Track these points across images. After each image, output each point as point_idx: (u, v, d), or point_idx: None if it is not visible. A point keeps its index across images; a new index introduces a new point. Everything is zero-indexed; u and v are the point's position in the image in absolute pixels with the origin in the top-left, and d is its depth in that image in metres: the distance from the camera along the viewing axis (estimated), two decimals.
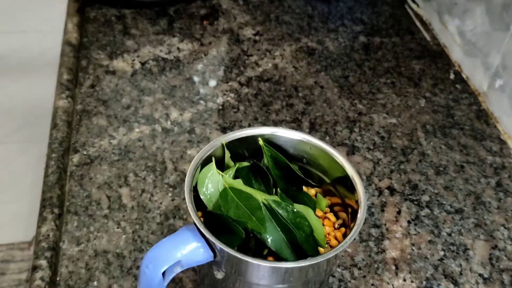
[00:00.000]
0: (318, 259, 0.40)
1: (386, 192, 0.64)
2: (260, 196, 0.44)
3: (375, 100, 0.77)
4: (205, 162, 0.47)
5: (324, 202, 0.50)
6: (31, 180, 1.44)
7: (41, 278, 0.52)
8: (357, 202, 0.45)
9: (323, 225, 0.48)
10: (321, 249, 0.45)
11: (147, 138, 0.68)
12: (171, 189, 0.62)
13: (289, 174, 0.49)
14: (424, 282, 0.55)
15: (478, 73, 0.79)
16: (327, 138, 0.70)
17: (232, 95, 0.76)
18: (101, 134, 0.69)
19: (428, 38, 0.91)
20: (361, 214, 0.44)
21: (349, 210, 0.48)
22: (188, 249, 0.41)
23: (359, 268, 0.56)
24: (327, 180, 0.50)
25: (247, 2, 0.96)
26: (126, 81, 0.77)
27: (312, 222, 0.45)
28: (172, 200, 0.61)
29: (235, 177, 0.48)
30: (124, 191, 0.62)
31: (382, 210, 0.62)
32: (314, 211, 0.48)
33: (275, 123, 0.72)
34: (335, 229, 0.49)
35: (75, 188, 0.62)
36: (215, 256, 0.41)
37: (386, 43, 0.89)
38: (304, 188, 0.51)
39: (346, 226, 0.48)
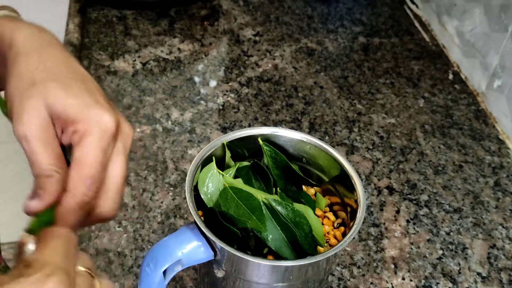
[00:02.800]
0: (318, 258, 0.40)
1: (385, 191, 0.64)
2: (260, 195, 0.45)
3: (374, 100, 0.78)
4: (206, 161, 0.47)
5: (324, 201, 0.51)
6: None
7: None
8: (356, 201, 0.46)
9: (323, 224, 0.49)
10: (320, 248, 0.46)
11: (148, 138, 0.69)
12: (172, 188, 0.63)
13: (289, 173, 0.50)
14: (423, 281, 0.55)
15: (476, 74, 0.80)
16: (327, 138, 0.71)
17: (232, 95, 0.76)
18: None
19: (427, 38, 0.91)
20: (360, 213, 0.44)
21: (349, 209, 0.48)
22: (188, 248, 0.41)
23: (358, 267, 0.56)
24: (327, 180, 0.51)
25: (247, 3, 0.97)
26: (127, 82, 0.78)
27: (312, 221, 0.45)
28: (173, 199, 0.61)
29: (235, 176, 0.48)
30: (125, 190, 0.62)
31: (381, 210, 0.62)
32: (314, 211, 0.48)
33: (275, 123, 0.73)
34: (334, 228, 0.49)
35: None
36: (215, 255, 0.41)
37: (385, 44, 0.89)
38: (304, 188, 0.51)
39: (346, 225, 0.49)
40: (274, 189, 0.49)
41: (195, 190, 0.46)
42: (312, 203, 0.49)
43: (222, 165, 0.49)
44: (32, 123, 0.32)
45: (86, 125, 0.32)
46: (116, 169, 0.33)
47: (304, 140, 0.50)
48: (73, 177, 0.31)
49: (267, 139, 0.50)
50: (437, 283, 0.55)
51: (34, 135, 0.32)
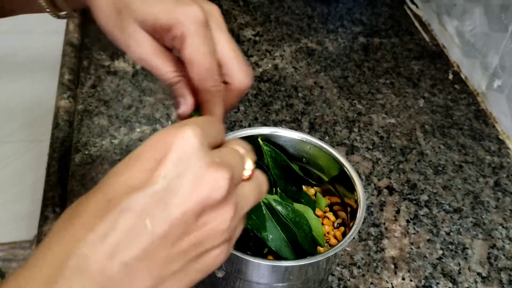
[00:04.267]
0: (318, 258, 0.40)
1: (385, 191, 0.64)
2: None
3: (374, 100, 0.78)
4: None
5: (324, 201, 0.51)
6: (33, 179, 1.44)
7: None
8: (356, 201, 0.46)
9: (323, 224, 0.49)
10: (320, 248, 0.46)
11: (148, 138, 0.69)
12: None
13: (289, 173, 0.50)
14: (423, 281, 0.55)
15: (476, 74, 0.80)
16: (327, 138, 0.71)
17: None
18: (102, 134, 0.69)
19: (427, 38, 0.91)
20: (360, 213, 0.44)
21: (349, 209, 0.48)
22: None
23: (358, 267, 0.56)
24: (327, 180, 0.51)
25: (247, 3, 0.97)
26: (127, 82, 0.78)
27: (312, 222, 0.45)
28: None
29: None
30: None
31: (381, 210, 0.62)
32: (314, 211, 0.48)
33: (275, 123, 0.73)
34: (334, 228, 0.49)
35: (77, 188, 0.62)
36: None
37: (385, 44, 0.89)
38: (304, 188, 0.51)
39: (346, 225, 0.49)
40: (274, 189, 0.49)
41: None
42: (312, 203, 0.49)
43: None
44: (139, 45, 0.35)
45: (180, 28, 0.34)
46: (225, 46, 0.36)
47: (304, 140, 0.50)
48: (196, 77, 0.35)
49: (267, 139, 0.50)
50: (437, 283, 0.55)
51: (148, 53, 0.35)
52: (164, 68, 0.36)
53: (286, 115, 0.74)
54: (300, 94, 0.78)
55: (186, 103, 0.37)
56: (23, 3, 0.44)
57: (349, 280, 0.55)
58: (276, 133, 0.50)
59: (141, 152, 0.28)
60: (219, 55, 0.36)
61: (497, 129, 0.74)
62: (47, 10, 0.42)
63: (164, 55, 0.36)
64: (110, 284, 0.25)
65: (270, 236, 0.43)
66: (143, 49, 0.35)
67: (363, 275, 0.55)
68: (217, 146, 0.31)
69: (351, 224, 0.44)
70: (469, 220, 0.62)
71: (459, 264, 0.57)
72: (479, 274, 0.56)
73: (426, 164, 0.68)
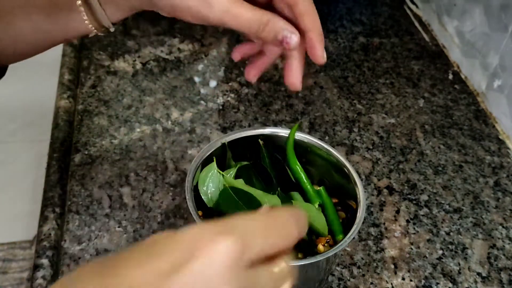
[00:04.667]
0: (318, 258, 0.40)
1: (385, 191, 0.64)
2: (260, 196, 0.45)
3: (374, 100, 0.78)
4: (206, 161, 0.47)
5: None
6: (33, 179, 1.44)
7: (43, 277, 0.53)
8: (356, 201, 0.46)
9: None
10: (320, 248, 0.46)
11: (148, 138, 0.69)
12: (172, 188, 0.63)
13: (286, 175, 0.50)
14: (423, 281, 0.55)
15: (476, 74, 0.80)
16: (327, 138, 0.71)
17: (232, 95, 0.76)
18: (102, 134, 0.69)
19: (427, 38, 0.91)
20: (360, 214, 0.44)
21: (349, 209, 0.48)
22: None
23: (358, 267, 0.56)
24: (327, 180, 0.51)
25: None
26: (127, 82, 0.78)
27: (313, 214, 0.45)
28: (173, 199, 0.61)
29: (236, 176, 0.48)
30: (125, 191, 0.62)
31: (381, 210, 0.62)
32: (316, 203, 0.48)
33: (275, 123, 0.72)
34: None
35: (77, 188, 0.62)
36: None
37: (385, 44, 0.89)
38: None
39: (346, 225, 0.49)
40: (274, 188, 0.49)
41: (195, 190, 0.46)
42: (313, 197, 0.49)
43: (222, 165, 0.49)
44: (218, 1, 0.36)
45: None
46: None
47: (304, 140, 0.50)
48: (312, 24, 0.43)
49: (267, 139, 0.50)
50: (437, 283, 0.55)
51: (230, 3, 0.37)
52: (249, 14, 0.37)
53: (286, 115, 0.74)
54: (300, 94, 0.78)
55: (293, 32, 0.40)
56: (67, 28, 0.43)
57: (349, 280, 0.55)
58: (276, 133, 0.50)
59: (163, 246, 0.23)
60: None
61: (497, 129, 0.74)
62: (90, 26, 0.42)
63: (244, 3, 0.37)
64: None
65: None
66: (223, 4, 0.36)
67: (363, 275, 0.55)
68: (271, 256, 0.27)
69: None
70: (469, 220, 0.62)
71: (459, 264, 0.57)
72: (479, 274, 0.56)
73: (426, 164, 0.68)
